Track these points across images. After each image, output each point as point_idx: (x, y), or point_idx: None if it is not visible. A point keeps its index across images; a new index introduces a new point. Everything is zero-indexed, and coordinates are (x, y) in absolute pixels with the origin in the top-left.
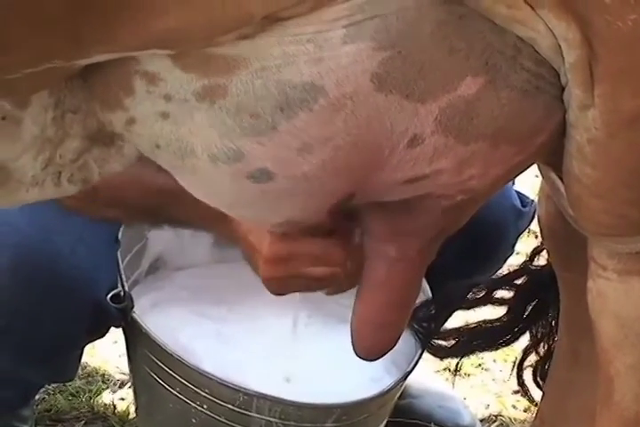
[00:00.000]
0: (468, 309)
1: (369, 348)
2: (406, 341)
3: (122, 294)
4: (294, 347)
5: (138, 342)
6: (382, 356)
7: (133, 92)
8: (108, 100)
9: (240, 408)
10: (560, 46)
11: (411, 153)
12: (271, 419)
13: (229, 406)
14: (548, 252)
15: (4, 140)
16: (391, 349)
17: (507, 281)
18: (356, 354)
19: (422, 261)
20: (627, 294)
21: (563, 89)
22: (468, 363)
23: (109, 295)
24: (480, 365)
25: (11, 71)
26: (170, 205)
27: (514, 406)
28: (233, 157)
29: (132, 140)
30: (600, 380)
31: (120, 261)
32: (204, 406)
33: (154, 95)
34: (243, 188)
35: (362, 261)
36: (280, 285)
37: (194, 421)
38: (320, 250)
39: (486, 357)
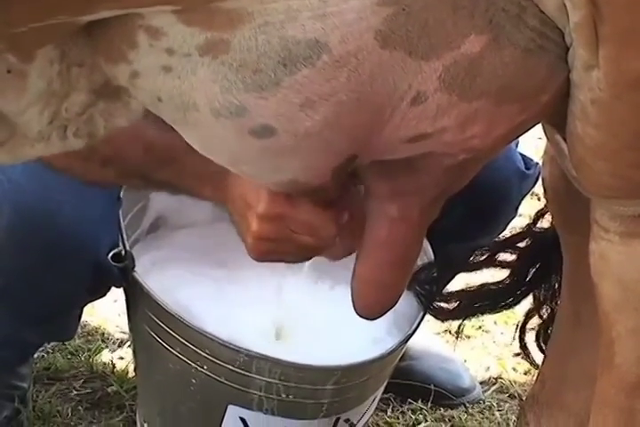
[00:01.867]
0: (471, 271)
1: (369, 307)
2: (408, 303)
3: (123, 253)
4: (295, 308)
5: (138, 301)
6: (382, 315)
7: (137, 46)
8: (112, 54)
9: (240, 369)
10: (565, 5)
11: (414, 111)
12: (271, 380)
13: (229, 366)
14: (551, 214)
15: (9, 94)
16: (391, 308)
17: (510, 244)
18: (357, 313)
19: (423, 220)
20: (629, 256)
21: (567, 49)
22: (469, 325)
23: (110, 254)
24: (480, 327)
25: (15, 25)
26: (166, 166)
27: (514, 369)
28: (235, 111)
29: (136, 93)
30: (601, 343)
31: (121, 220)
32: (204, 367)
33: (156, 49)
34: (245, 143)
35: (360, 227)
36: (267, 247)
37: (193, 381)
38: (315, 220)
39: (487, 319)
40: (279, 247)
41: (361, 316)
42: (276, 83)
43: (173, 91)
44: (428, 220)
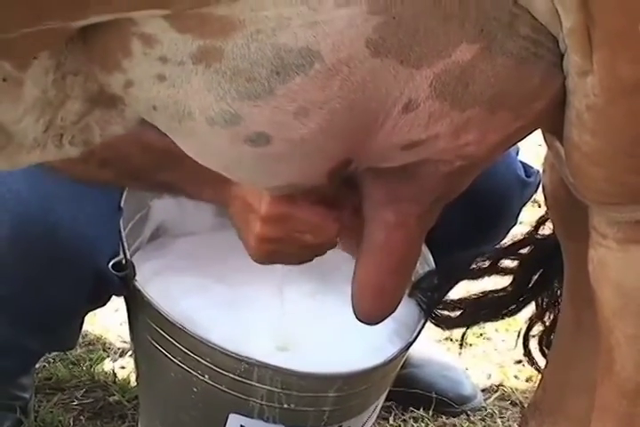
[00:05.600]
0: (473, 279)
1: (369, 312)
2: (409, 310)
3: (123, 262)
4: (296, 316)
5: (140, 310)
6: (383, 320)
7: (130, 54)
8: (106, 62)
9: (241, 377)
10: (557, 11)
11: (406, 118)
12: (272, 388)
13: (231, 375)
14: (552, 221)
15: (5, 102)
16: (391, 313)
17: (512, 251)
18: (357, 318)
19: (421, 226)
20: (627, 262)
21: (562, 55)
22: (470, 333)
23: (111, 263)
24: (482, 335)
25: (5, 30)
26: (165, 167)
27: (516, 377)
28: (230, 120)
29: (131, 102)
30: (600, 350)
31: (122, 229)
32: (206, 376)
33: (150, 57)
34: (241, 151)
35: (359, 232)
36: (270, 249)
37: (195, 390)
38: (317, 219)
39: (488, 327)
40: (282, 248)
41: (361, 321)
42: (269, 91)
43: (168, 99)
44: (426, 226)
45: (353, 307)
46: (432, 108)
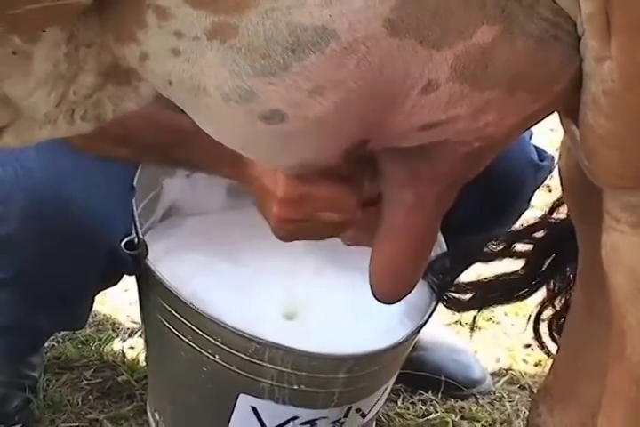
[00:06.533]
0: (486, 262)
1: (387, 293)
2: (421, 293)
3: (136, 240)
4: (307, 296)
5: (151, 289)
6: (399, 300)
7: (146, 26)
8: (121, 33)
9: (252, 358)
10: None
11: (426, 99)
12: (283, 369)
13: (241, 355)
14: (567, 205)
15: (15, 76)
16: (408, 293)
17: (525, 234)
18: (375, 297)
19: (439, 208)
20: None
21: (579, 39)
22: (480, 317)
23: (123, 242)
24: (491, 318)
25: (11, 6)
26: (182, 146)
27: (524, 360)
28: (245, 96)
29: (146, 76)
30: (612, 334)
31: (134, 208)
32: (216, 356)
33: (165, 30)
34: (255, 128)
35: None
36: (292, 228)
37: (205, 369)
38: (335, 195)
39: (498, 311)
40: (304, 227)
41: (379, 300)
42: (284, 68)
43: (183, 74)
44: (444, 207)
45: (371, 287)
46: (452, 89)
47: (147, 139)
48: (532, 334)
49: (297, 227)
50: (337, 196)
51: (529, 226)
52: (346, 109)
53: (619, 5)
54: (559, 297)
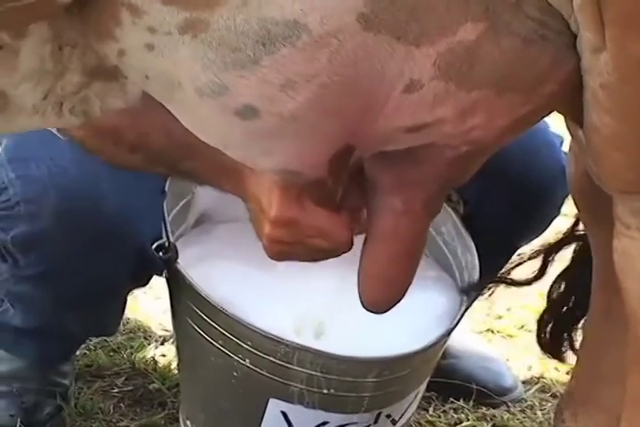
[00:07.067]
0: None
1: (376, 301)
2: (450, 297)
3: (167, 244)
4: (337, 301)
5: (181, 293)
6: (390, 309)
7: (121, 23)
8: (100, 31)
9: (281, 361)
10: None
11: (409, 99)
12: (312, 372)
13: (271, 358)
14: (578, 210)
15: (2, 69)
16: (399, 301)
17: (554, 249)
18: (364, 307)
19: (427, 213)
20: None
21: (574, 37)
22: (511, 324)
23: (154, 245)
24: (523, 326)
25: None
26: (188, 157)
27: (556, 368)
28: (217, 90)
29: (127, 72)
30: (629, 340)
31: (165, 213)
32: (246, 360)
33: (139, 27)
34: (231, 124)
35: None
36: (282, 249)
37: (235, 374)
38: (327, 225)
39: (529, 319)
40: (293, 250)
41: (368, 310)
42: (255, 62)
43: (158, 69)
44: (433, 213)
45: (359, 297)
46: (437, 88)
47: (157, 148)
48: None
49: (287, 248)
50: (329, 226)
51: (557, 241)
52: (321, 107)
53: None
54: (577, 302)
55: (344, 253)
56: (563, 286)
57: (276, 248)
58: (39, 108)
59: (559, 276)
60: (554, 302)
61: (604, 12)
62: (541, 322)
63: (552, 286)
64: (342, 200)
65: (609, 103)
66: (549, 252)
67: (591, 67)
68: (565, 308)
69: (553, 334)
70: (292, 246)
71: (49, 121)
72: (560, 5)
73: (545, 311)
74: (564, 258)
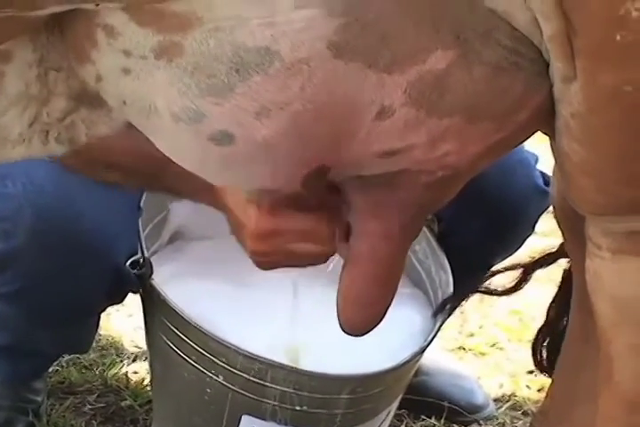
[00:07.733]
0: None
1: (353, 324)
2: (424, 314)
3: (141, 260)
4: (310, 319)
5: (155, 309)
6: (368, 332)
7: (97, 45)
8: (79, 54)
9: (255, 378)
10: (537, 19)
11: (381, 125)
12: (285, 389)
13: (245, 375)
14: (560, 230)
15: None
16: (377, 324)
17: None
18: (341, 329)
19: (405, 237)
20: (620, 273)
21: (547, 64)
22: (483, 342)
23: (129, 261)
24: (494, 344)
25: None
26: (161, 174)
27: (528, 386)
28: (193, 117)
29: (105, 97)
30: (601, 360)
31: (141, 230)
32: (220, 377)
33: (114, 49)
34: (207, 150)
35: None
36: (268, 260)
37: (208, 391)
38: (307, 226)
39: (501, 337)
40: (280, 259)
41: (346, 333)
42: (229, 89)
43: (135, 94)
44: (411, 237)
45: (337, 317)
46: (408, 115)
47: (130, 166)
48: (532, 359)
49: (274, 258)
50: (309, 227)
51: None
52: (295, 133)
53: (579, 27)
54: (559, 322)
55: (331, 252)
56: (561, 304)
57: (261, 260)
58: (25, 137)
59: (557, 294)
60: (551, 320)
61: (574, 42)
62: (537, 340)
63: (551, 304)
64: (320, 201)
65: (579, 133)
66: (530, 267)
67: (562, 96)
68: (562, 326)
69: (549, 352)
70: (277, 256)
71: (34, 150)
72: (531, 34)
73: (541, 329)
74: (538, 276)
